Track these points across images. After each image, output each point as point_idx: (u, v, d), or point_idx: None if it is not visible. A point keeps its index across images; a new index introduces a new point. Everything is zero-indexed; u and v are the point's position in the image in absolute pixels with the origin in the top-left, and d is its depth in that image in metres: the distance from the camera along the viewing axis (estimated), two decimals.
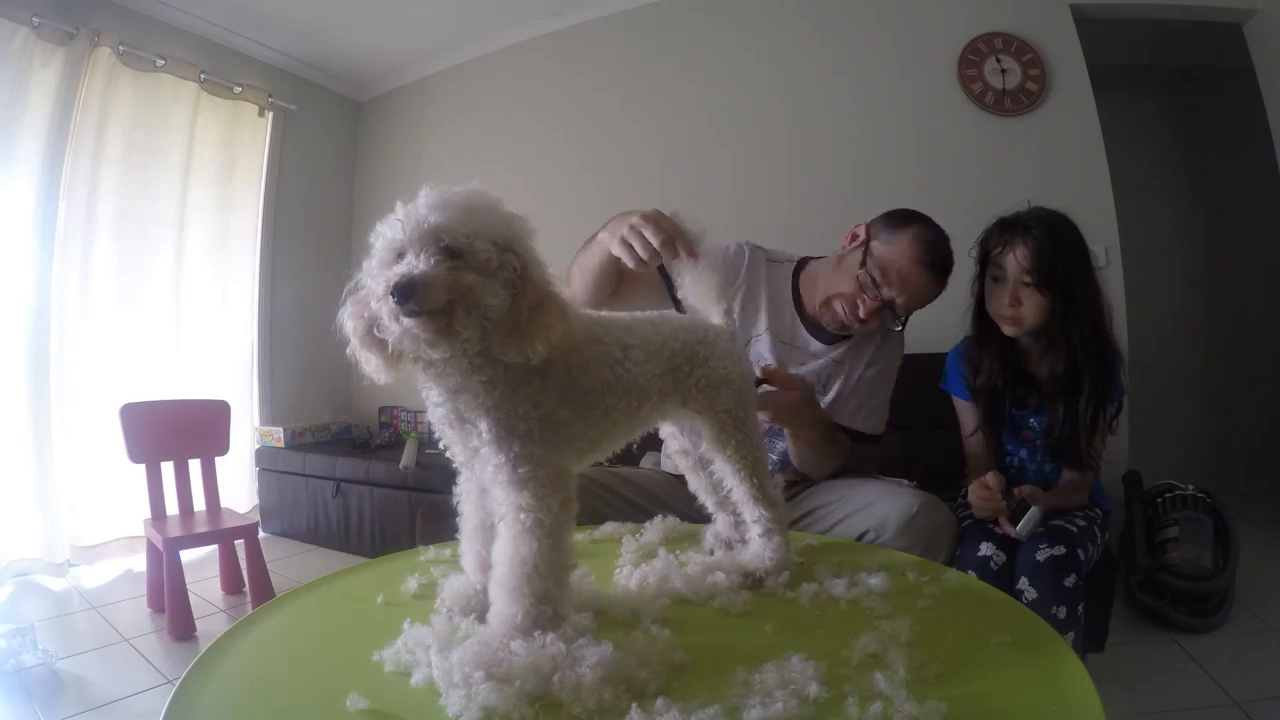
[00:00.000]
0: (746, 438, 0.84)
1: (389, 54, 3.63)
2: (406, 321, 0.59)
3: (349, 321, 0.66)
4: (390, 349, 0.64)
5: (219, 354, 3.30)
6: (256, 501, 3.35)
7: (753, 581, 0.80)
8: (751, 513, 0.84)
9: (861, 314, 1.27)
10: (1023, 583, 1.17)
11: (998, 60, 2.51)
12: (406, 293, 0.57)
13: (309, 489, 3.13)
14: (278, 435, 3.31)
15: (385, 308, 0.60)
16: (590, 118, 3.26)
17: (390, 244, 0.62)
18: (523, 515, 0.63)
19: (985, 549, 1.20)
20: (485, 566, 0.71)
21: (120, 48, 2.84)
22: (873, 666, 0.60)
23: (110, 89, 2.84)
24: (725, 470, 0.85)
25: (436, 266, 0.59)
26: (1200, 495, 2.08)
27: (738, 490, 0.84)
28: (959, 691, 0.56)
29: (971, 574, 1.15)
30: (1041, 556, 1.17)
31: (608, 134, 3.21)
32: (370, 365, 0.66)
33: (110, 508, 2.78)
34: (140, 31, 2.94)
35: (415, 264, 0.59)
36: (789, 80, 2.83)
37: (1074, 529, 1.27)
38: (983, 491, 1.27)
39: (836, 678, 0.57)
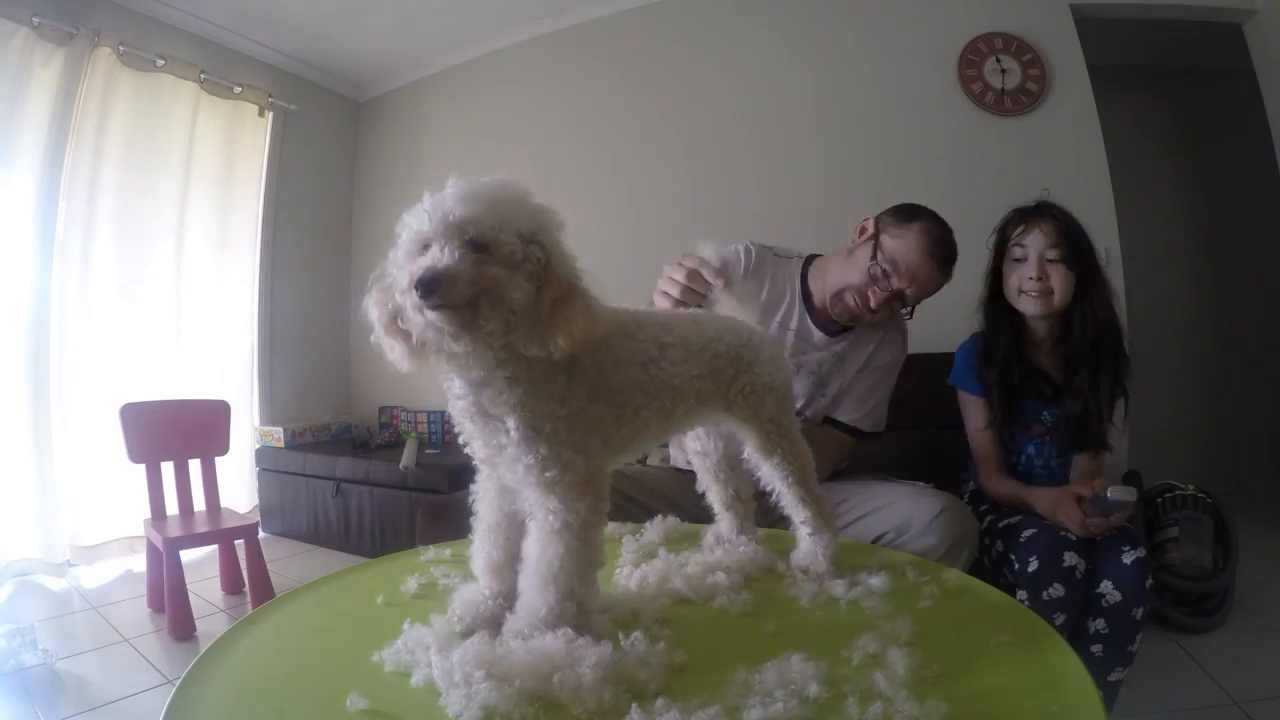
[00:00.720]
0: (792, 444, 0.84)
1: (389, 54, 3.63)
2: (430, 315, 0.59)
3: (373, 309, 0.65)
4: (415, 340, 0.63)
5: (219, 354, 3.30)
6: (256, 501, 3.35)
7: (812, 578, 0.81)
8: (800, 514, 0.85)
9: (873, 304, 1.31)
10: (1105, 585, 1.15)
11: (998, 60, 2.51)
12: (430, 287, 0.57)
13: (309, 489, 3.12)
14: (278, 435, 3.30)
15: (410, 300, 0.59)
16: (590, 117, 3.26)
17: (416, 235, 0.61)
18: (551, 517, 0.63)
19: (1069, 558, 1.16)
20: (496, 569, 0.71)
21: (120, 48, 2.84)
22: (873, 666, 0.60)
23: (110, 89, 2.84)
24: (773, 476, 0.85)
25: (461, 260, 0.58)
26: (1200, 495, 2.07)
27: (786, 495, 0.85)
28: (959, 691, 0.56)
29: (1058, 587, 1.13)
30: (1128, 559, 1.16)
31: (608, 133, 3.21)
32: (394, 354, 0.65)
33: (110, 508, 2.78)
34: (140, 31, 2.94)
35: (440, 257, 0.58)
36: (789, 80, 2.83)
37: (1132, 528, 1.26)
38: (1083, 518, 1.20)
39: (836, 678, 0.58)
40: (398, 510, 2.84)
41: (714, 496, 0.96)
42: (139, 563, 2.53)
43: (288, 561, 2.83)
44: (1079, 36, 2.45)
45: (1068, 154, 2.43)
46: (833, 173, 2.74)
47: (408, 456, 2.84)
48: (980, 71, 2.52)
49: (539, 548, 0.63)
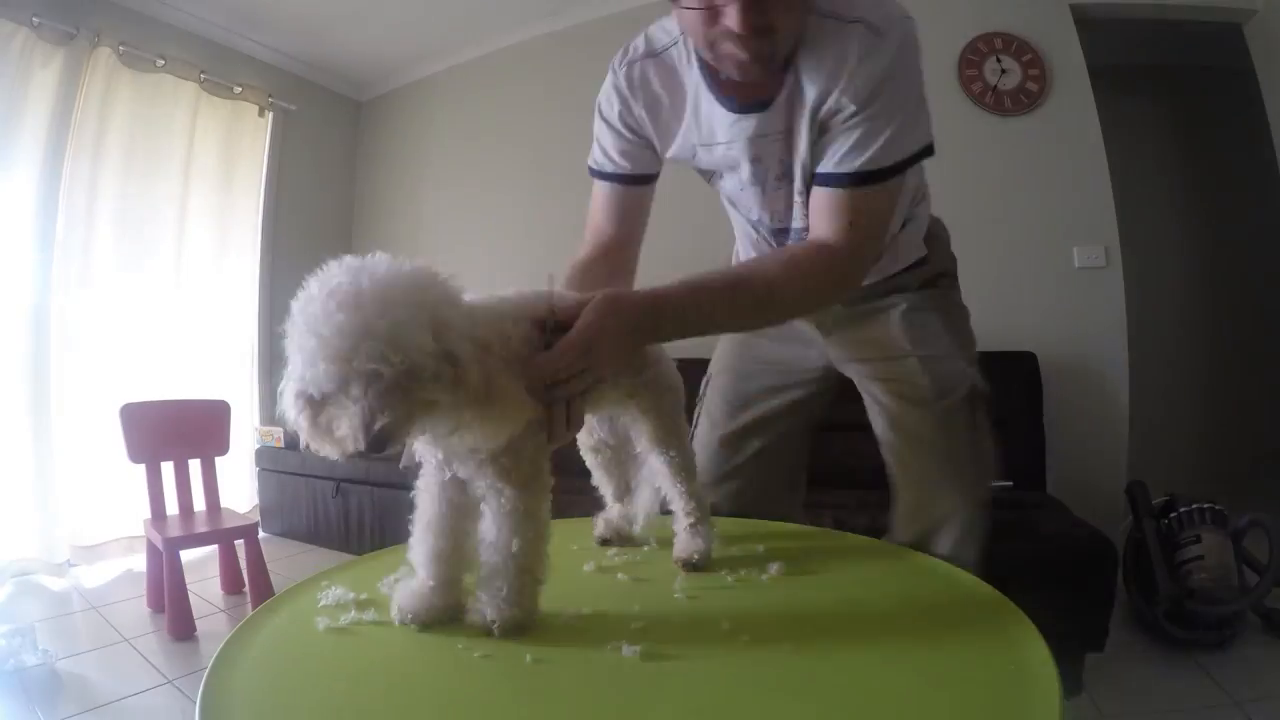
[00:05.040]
0: (680, 441, 0.90)
1: (389, 54, 3.63)
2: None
3: (298, 419, 0.65)
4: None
5: (219, 354, 3.31)
6: (256, 501, 3.35)
7: (689, 566, 0.84)
8: (684, 507, 0.89)
9: (738, 28, 0.79)
10: None
11: (998, 60, 2.51)
12: (379, 447, 0.58)
13: (309, 489, 3.13)
14: (278, 435, 3.30)
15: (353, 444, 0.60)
16: (590, 117, 3.25)
17: (312, 356, 0.59)
18: (504, 501, 0.68)
19: None
20: (437, 559, 0.72)
21: (120, 48, 2.85)
22: (863, 660, 0.60)
23: (110, 89, 2.84)
24: (662, 470, 0.89)
25: (388, 402, 0.58)
26: (1218, 509, 1.93)
27: (672, 489, 0.89)
28: (933, 674, 0.56)
29: None
30: None
31: None
32: (326, 449, 0.64)
33: (110, 508, 2.78)
34: (140, 31, 2.94)
35: (363, 404, 0.57)
36: None
37: None
38: None
39: (836, 677, 0.58)
40: (398, 510, 2.82)
41: (606, 485, 0.99)
42: (139, 563, 2.53)
43: (288, 561, 2.83)
44: (1079, 36, 2.45)
45: (1068, 154, 2.43)
46: None
47: (408, 456, 2.84)
48: (980, 71, 2.52)
49: (496, 531, 0.67)
